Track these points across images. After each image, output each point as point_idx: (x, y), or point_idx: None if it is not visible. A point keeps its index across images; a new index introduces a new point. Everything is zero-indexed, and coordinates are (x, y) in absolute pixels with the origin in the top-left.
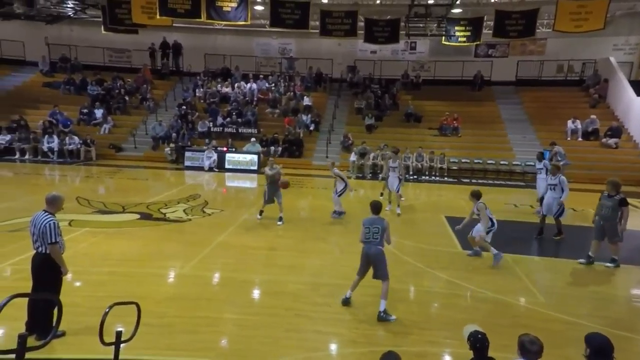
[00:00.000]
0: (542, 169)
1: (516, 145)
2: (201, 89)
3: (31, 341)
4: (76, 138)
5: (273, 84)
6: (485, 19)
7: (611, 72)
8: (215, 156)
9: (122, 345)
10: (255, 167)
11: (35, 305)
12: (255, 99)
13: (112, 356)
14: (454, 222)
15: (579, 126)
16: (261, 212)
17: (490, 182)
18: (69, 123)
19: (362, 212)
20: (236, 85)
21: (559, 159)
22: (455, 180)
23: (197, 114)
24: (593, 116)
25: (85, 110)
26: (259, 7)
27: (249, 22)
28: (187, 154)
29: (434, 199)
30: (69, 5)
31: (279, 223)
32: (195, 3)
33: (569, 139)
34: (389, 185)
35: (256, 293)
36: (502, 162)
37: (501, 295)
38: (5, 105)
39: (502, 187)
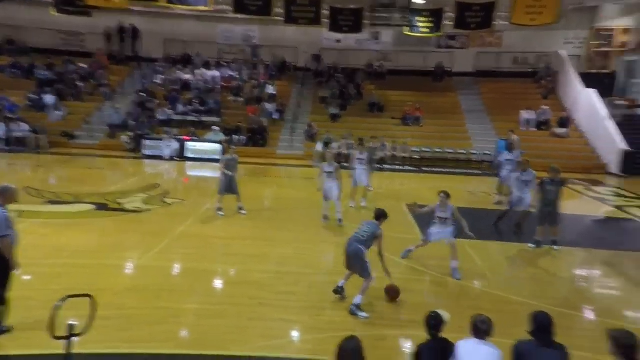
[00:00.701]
0: (511, 160)
1: (474, 135)
2: (161, 76)
3: None
4: (25, 125)
5: (237, 72)
6: (445, 10)
7: (561, 64)
8: (176, 145)
9: (76, 339)
10: (218, 157)
11: None
12: (218, 86)
13: (64, 351)
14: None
15: (533, 117)
16: (220, 209)
17: (449, 170)
18: (14, 109)
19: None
20: (197, 72)
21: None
22: (417, 169)
23: (157, 101)
24: (545, 107)
25: (33, 96)
26: None
27: (210, 8)
28: (146, 142)
29: (396, 188)
30: None
31: (243, 212)
32: None
33: (523, 129)
34: (358, 179)
35: (219, 283)
36: (460, 152)
37: (458, 280)
38: None
39: (460, 175)
